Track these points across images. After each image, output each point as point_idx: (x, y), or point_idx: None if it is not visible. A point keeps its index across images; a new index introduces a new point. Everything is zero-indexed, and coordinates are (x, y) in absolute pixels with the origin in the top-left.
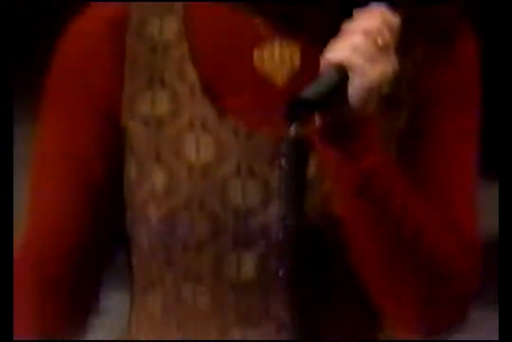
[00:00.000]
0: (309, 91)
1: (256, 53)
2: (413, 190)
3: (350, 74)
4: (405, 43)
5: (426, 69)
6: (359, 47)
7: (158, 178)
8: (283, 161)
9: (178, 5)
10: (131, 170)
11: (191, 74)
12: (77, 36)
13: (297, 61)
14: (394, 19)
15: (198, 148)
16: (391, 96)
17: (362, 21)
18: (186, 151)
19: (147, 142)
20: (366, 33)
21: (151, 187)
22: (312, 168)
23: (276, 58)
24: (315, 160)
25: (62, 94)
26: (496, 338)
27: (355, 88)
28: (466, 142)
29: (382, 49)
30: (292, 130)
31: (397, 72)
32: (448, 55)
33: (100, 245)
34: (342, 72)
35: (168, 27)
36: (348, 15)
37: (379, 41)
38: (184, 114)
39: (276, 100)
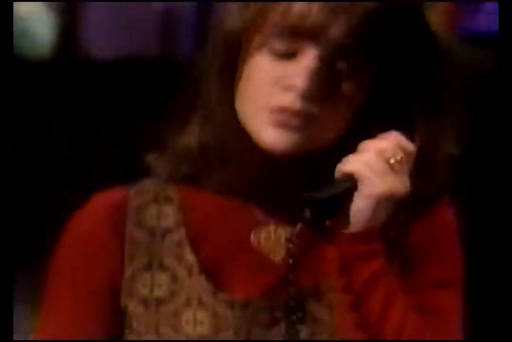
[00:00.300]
0: (319, 192)
1: (253, 236)
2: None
3: (359, 185)
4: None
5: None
6: (370, 162)
7: None
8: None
9: (174, 194)
10: (130, 339)
11: (190, 257)
12: (81, 224)
13: (293, 247)
14: (408, 144)
15: (195, 323)
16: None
17: (377, 141)
18: (184, 325)
19: (147, 321)
20: (379, 151)
21: None
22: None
23: (272, 239)
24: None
25: (66, 279)
26: None
27: (362, 198)
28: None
29: (394, 168)
30: (298, 227)
31: (407, 194)
32: (427, 221)
33: None
34: (352, 182)
35: (165, 214)
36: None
37: (391, 160)
38: (182, 293)
39: (272, 273)
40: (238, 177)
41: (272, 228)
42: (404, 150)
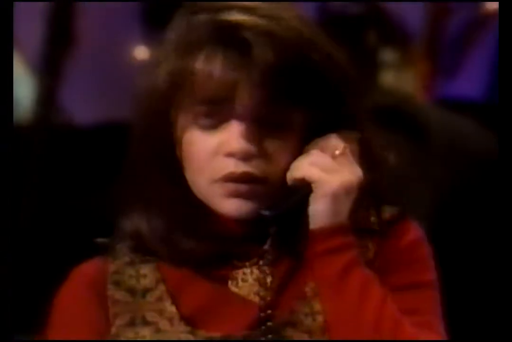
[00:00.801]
0: (278, 205)
1: (230, 280)
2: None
3: (313, 187)
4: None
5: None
6: (316, 161)
7: None
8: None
9: (151, 257)
10: None
11: (170, 309)
12: (64, 298)
13: (269, 280)
14: (346, 133)
15: None
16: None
17: (319, 141)
18: None
19: None
20: (321, 149)
21: None
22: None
23: (250, 280)
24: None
25: (64, 328)
26: None
27: (319, 197)
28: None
29: (340, 161)
30: (268, 243)
31: (361, 180)
32: (394, 244)
33: None
34: (306, 186)
35: (143, 275)
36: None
37: (336, 152)
38: (164, 339)
39: (251, 311)
40: (203, 247)
41: (248, 270)
42: (345, 140)
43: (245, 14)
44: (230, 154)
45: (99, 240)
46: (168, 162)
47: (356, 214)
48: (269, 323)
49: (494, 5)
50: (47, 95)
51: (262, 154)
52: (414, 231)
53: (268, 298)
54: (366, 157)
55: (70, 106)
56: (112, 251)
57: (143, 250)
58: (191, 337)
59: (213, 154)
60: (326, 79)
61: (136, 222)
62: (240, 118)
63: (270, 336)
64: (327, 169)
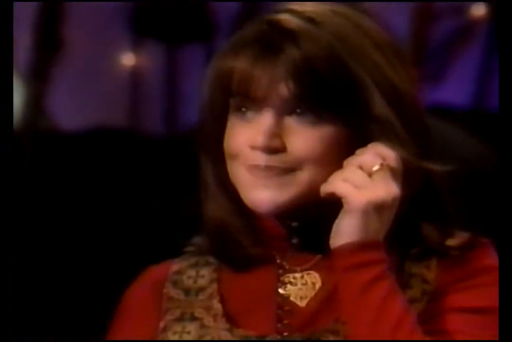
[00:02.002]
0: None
1: (280, 282)
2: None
3: (343, 202)
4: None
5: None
6: (348, 177)
7: None
8: None
9: (214, 260)
10: None
11: (217, 306)
12: (130, 291)
13: (318, 285)
14: (387, 150)
15: None
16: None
17: (356, 156)
18: None
19: None
20: (358, 164)
21: None
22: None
23: (298, 285)
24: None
25: (118, 330)
26: None
27: (348, 213)
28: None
29: (376, 177)
30: (290, 253)
31: (397, 197)
32: (465, 269)
33: None
34: (337, 200)
35: (201, 275)
36: None
37: (374, 168)
38: (207, 336)
39: (294, 315)
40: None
41: (298, 274)
42: (384, 157)
43: (289, 15)
44: (255, 147)
45: (195, 239)
46: (220, 158)
47: (420, 233)
48: (311, 328)
49: (480, 11)
50: (35, 101)
51: (287, 148)
52: (487, 259)
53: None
54: (407, 174)
55: (58, 112)
56: (183, 252)
57: (204, 257)
58: (228, 334)
59: (244, 145)
60: (360, 87)
61: (204, 223)
62: (269, 111)
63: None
64: (359, 186)
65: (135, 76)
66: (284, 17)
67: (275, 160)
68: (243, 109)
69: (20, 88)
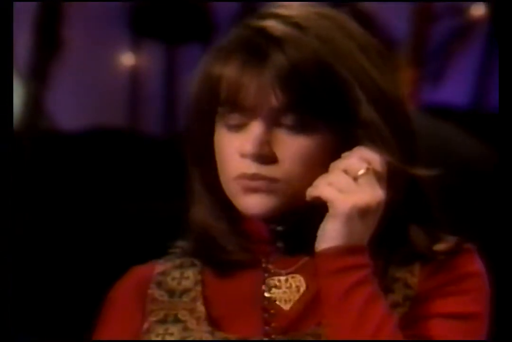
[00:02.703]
0: (290, 223)
1: (264, 286)
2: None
3: (328, 206)
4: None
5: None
6: (334, 181)
7: None
8: None
9: (199, 261)
10: None
11: (200, 309)
12: (114, 291)
13: (302, 289)
14: (372, 154)
15: None
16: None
17: (342, 160)
18: None
19: None
20: (343, 168)
21: None
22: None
23: (283, 288)
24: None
25: (102, 330)
26: None
27: (334, 217)
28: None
29: (361, 182)
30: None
31: (382, 202)
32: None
33: None
34: (322, 204)
35: (186, 277)
36: None
37: (359, 173)
38: (189, 338)
39: (278, 318)
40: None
41: (283, 278)
42: (369, 161)
43: (274, 20)
44: (244, 155)
45: (179, 242)
46: (207, 163)
47: (407, 238)
48: (294, 332)
49: (479, 11)
50: (35, 101)
51: (276, 157)
52: (473, 265)
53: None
54: (393, 178)
55: (57, 112)
56: (169, 253)
57: (189, 259)
58: (209, 337)
59: (233, 153)
60: (348, 92)
61: (190, 227)
62: (260, 121)
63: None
64: (344, 190)
65: (134, 76)
66: (270, 24)
67: (264, 170)
68: (232, 117)
69: (20, 88)
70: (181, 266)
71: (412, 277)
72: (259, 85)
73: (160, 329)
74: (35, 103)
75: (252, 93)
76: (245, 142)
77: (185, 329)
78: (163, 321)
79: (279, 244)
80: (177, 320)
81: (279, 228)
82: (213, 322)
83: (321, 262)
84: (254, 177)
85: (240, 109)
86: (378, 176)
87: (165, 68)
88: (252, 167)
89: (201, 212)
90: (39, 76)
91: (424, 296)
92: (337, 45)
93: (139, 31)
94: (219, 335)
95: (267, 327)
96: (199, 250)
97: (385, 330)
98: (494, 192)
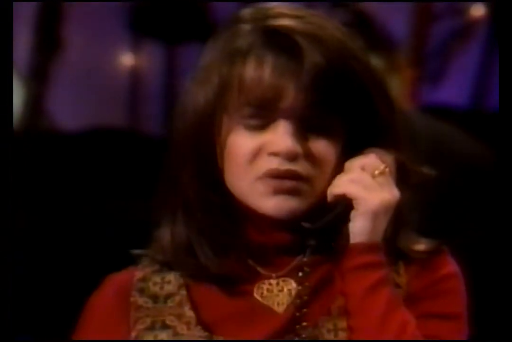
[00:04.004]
0: (319, 219)
1: (256, 289)
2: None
3: (354, 204)
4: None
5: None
6: (358, 179)
7: None
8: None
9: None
10: None
11: (189, 313)
12: (94, 301)
13: (294, 292)
14: (385, 154)
15: None
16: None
17: (358, 159)
18: None
19: None
20: (362, 167)
21: None
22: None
23: (275, 291)
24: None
25: (89, 333)
26: None
27: (360, 215)
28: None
29: (380, 180)
30: (307, 255)
31: (398, 200)
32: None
33: None
34: (346, 203)
35: (168, 281)
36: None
37: (376, 172)
38: None
39: (272, 322)
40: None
41: (274, 281)
42: (384, 161)
43: (294, 20)
44: (275, 154)
45: (135, 251)
46: (206, 168)
47: (395, 237)
48: (290, 335)
49: (479, 12)
50: (35, 101)
51: (306, 155)
52: (451, 265)
53: (295, 310)
54: (402, 177)
55: (57, 112)
56: (144, 259)
57: (168, 263)
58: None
59: (257, 153)
60: (363, 89)
61: (162, 234)
62: (287, 119)
63: None
64: (368, 188)
65: (134, 76)
66: (293, 23)
67: (296, 165)
68: (255, 117)
69: (20, 88)
70: (160, 271)
71: (399, 277)
72: (297, 86)
73: (149, 336)
74: (35, 103)
75: (291, 94)
76: (275, 140)
77: (175, 334)
78: (151, 328)
79: (311, 242)
80: (165, 326)
81: (308, 225)
82: (206, 327)
83: (350, 258)
84: (288, 172)
85: (269, 110)
86: (392, 176)
87: (165, 68)
88: (284, 164)
89: (182, 225)
90: (39, 76)
91: (411, 296)
92: (350, 45)
93: (139, 31)
94: (218, 339)
95: (264, 330)
96: (183, 264)
97: (409, 327)
98: (493, 191)
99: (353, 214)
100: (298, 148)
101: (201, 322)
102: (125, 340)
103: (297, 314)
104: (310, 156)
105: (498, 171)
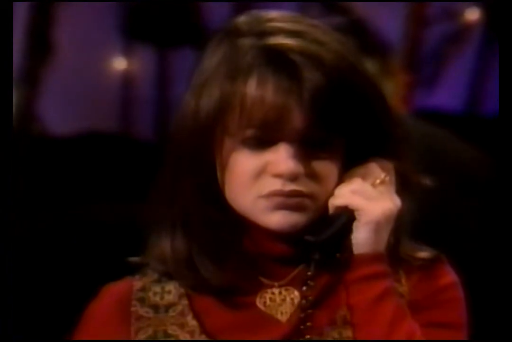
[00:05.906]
0: (322, 232)
1: (258, 298)
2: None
3: (356, 215)
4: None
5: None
6: (359, 190)
7: None
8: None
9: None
10: None
11: (192, 322)
12: (92, 312)
13: (297, 301)
14: (385, 162)
15: None
16: None
17: (357, 169)
18: None
19: None
20: (362, 177)
21: None
22: None
23: (278, 300)
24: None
25: None
26: None
27: (363, 225)
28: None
29: (381, 189)
30: (312, 269)
31: (400, 208)
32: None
33: None
34: (348, 213)
35: (168, 291)
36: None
37: (377, 181)
38: None
39: (276, 331)
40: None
41: (276, 290)
42: (384, 170)
43: (293, 38)
44: (278, 175)
45: (132, 259)
46: (206, 183)
47: (396, 245)
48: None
49: (474, 16)
50: (26, 106)
51: (308, 174)
52: (451, 274)
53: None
54: (403, 186)
55: (49, 116)
56: (142, 269)
57: (167, 273)
58: None
59: (260, 173)
60: (365, 103)
61: (162, 245)
62: (289, 140)
63: None
64: (369, 198)
65: (126, 80)
66: (292, 42)
67: (299, 185)
68: (256, 136)
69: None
70: (160, 280)
71: (401, 286)
72: (298, 107)
73: None
74: (26, 107)
75: (293, 115)
76: (277, 162)
77: None
78: (153, 338)
79: (315, 256)
80: (167, 336)
81: (311, 239)
82: (211, 336)
83: (354, 269)
84: (291, 193)
85: (271, 131)
86: (391, 184)
87: (157, 72)
88: (288, 185)
89: (182, 238)
90: (30, 81)
91: (413, 305)
92: (350, 59)
93: (131, 35)
94: (221, 340)
95: (268, 339)
96: (184, 276)
97: (415, 337)
98: (488, 195)
99: (355, 224)
100: (300, 169)
101: (205, 331)
102: (125, 340)
103: (302, 327)
104: (312, 175)
105: (493, 176)
